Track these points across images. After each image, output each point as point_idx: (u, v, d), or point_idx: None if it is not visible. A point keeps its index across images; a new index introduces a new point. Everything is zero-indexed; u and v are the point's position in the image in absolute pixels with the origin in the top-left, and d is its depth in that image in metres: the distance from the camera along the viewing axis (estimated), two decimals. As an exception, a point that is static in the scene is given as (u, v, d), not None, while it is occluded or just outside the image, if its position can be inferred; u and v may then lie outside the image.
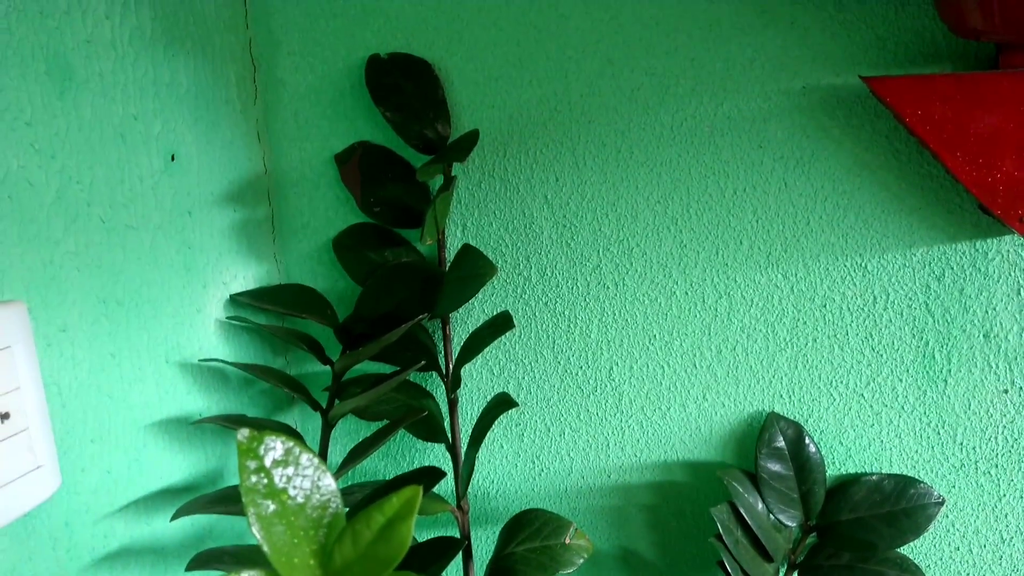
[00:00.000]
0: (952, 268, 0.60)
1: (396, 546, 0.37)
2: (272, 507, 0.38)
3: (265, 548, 0.37)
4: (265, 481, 0.37)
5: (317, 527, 0.39)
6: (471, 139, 0.65)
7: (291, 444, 0.38)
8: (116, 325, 0.62)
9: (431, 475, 0.69)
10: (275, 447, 0.38)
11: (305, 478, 0.39)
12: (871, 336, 0.63)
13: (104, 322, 0.61)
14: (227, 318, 0.73)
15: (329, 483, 0.39)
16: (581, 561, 0.66)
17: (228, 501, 0.63)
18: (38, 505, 0.56)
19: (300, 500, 0.38)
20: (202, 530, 0.72)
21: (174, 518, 0.63)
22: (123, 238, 0.63)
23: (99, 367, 0.61)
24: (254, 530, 0.37)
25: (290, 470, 0.38)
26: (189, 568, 0.62)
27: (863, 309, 0.63)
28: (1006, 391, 0.61)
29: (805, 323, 0.64)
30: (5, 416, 0.54)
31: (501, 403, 0.67)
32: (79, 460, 0.60)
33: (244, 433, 0.37)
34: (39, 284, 0.56)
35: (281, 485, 0.38)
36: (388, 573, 0.37)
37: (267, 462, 0.37)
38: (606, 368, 0.71)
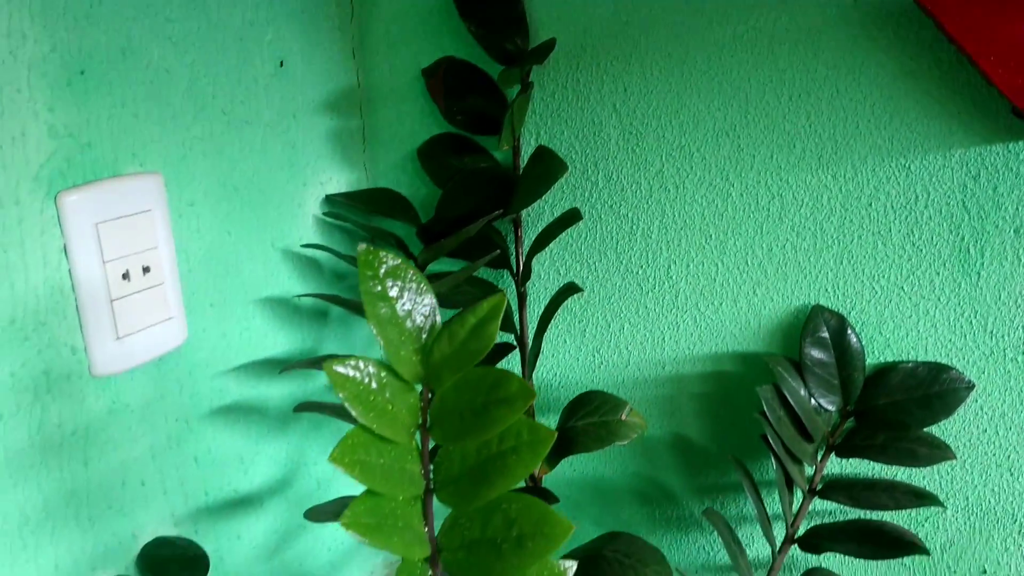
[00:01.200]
0: (987, 168, 0.65)
1: (485, 341, 0.45)
2: (384, 310, 0.45)
3: (380, 343, 0.45)
4: (379, 288, 0.45)
5: (419, 331, 0.47)
6: (548, 46, 0.72)
7: (400, 261, 0.46)
8: (232, 207, 0.71)
9: (501, 350, 0.77)
10: (388, 261, 0.46)
11: (410, 291, 0.46)
12: (912, 232, 0.69)
13: (223, 203, 0.70)
14: (323, 214, 0.81)
15: (430, 298, 0.47)
16: (635, 436, 0.73)
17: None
18: (170, 351, 0.66)
19: (407, 307, 0.46)
20: (298, 400, 0.81)
21: (284, 371, 0.72)
22: (240, 131, 0.72)
23: (218, 242, 0.70)
24: (371, 326, 0.45)
25: (399, 282, 0.46)
26: (297, 410, 0.71)
27: (905, 207, 0.68)
28: (1036, 283, 0.66)
29: (851, 221, 0.70)
30: (147, 269, 0.63)
31: (568, 289, 0.74)
32: (200, 321, 0.69)
33: (363, 246, 0.45)
34: (173, 161, 0.65)
35: (393, 294, 0.46)
36: (475, 363, 0.44)
37: (381, 272, 0.45)
38: (664, 267, 0.77)
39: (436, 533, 0.50)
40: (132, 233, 0.61)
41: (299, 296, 0.78)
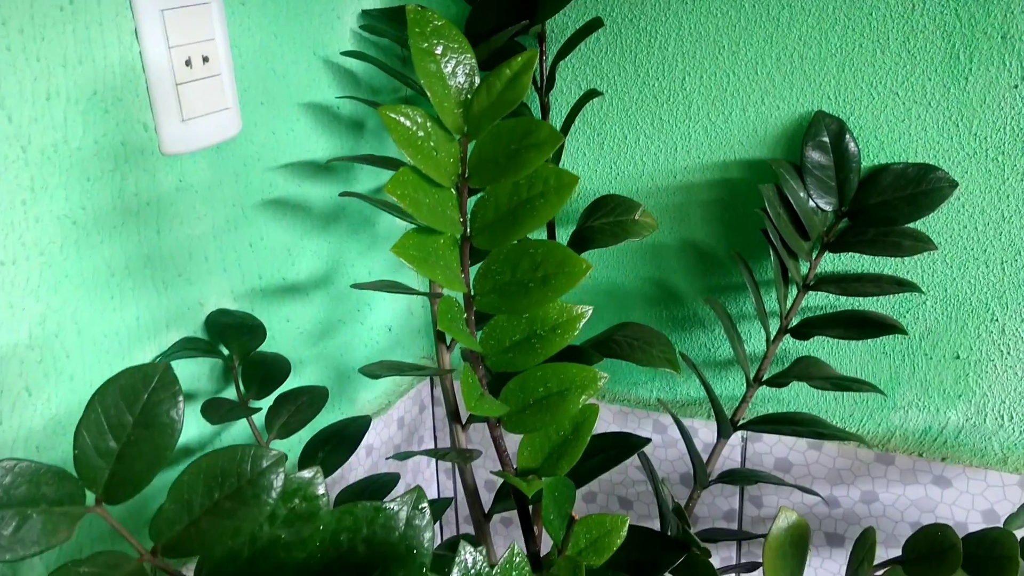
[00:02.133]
0: (984, -26, 0.70)
1: (519, 91, 0.51)
2: (432, 66, 0.52)
3: (428, 95, 0.52)
4: (426, 44, 0.52)
5: (460, 88, 0.53)
6: None
7: (445, 21, 0.52)
8: (279, 10, 0.77)
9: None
10: (435, 20, 0.52)
11: (453, 49, 0.53)
12: (908, 40, 0.74)
13: (270, 5, 0.76)
14: (360, 27, 0.87)
15: (470, 57, 0.53)
16: (647, 234, 0.80)
17: (373, 160, 0.78)
18: (227, 140, 0.73)
19: (451, 65, 0.53)
20: (337, 207, 0.88)
21: (330, 162, 0.80)
22: (284, -62, 0.76)
23: (267, 43, 0.76)
24: (421, 82, 0.52)
25: (444, 41, 0.52)
26: (342, 195, 0.78)
27: (903, 16, 0.73)
28: (1016, 87, 0.72)
29: (853, 30, 0.75)
30: (206, 59, 0.69)
31: (589, 94, 0.80)
32: (252, 116, 0.76)
33: (412, 6, 0.51)
34: (226, -40, 0.71)
35: (438, 51, 0.52)
36: (509, 111, 0.51)
37: (429, 30, 0.52)
38: (679, 79, 0.83)
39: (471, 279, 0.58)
40: (193, 22, 0.67)
41: (339, 97, 0.85)
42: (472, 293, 0.59)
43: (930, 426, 0.84)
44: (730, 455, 0.93)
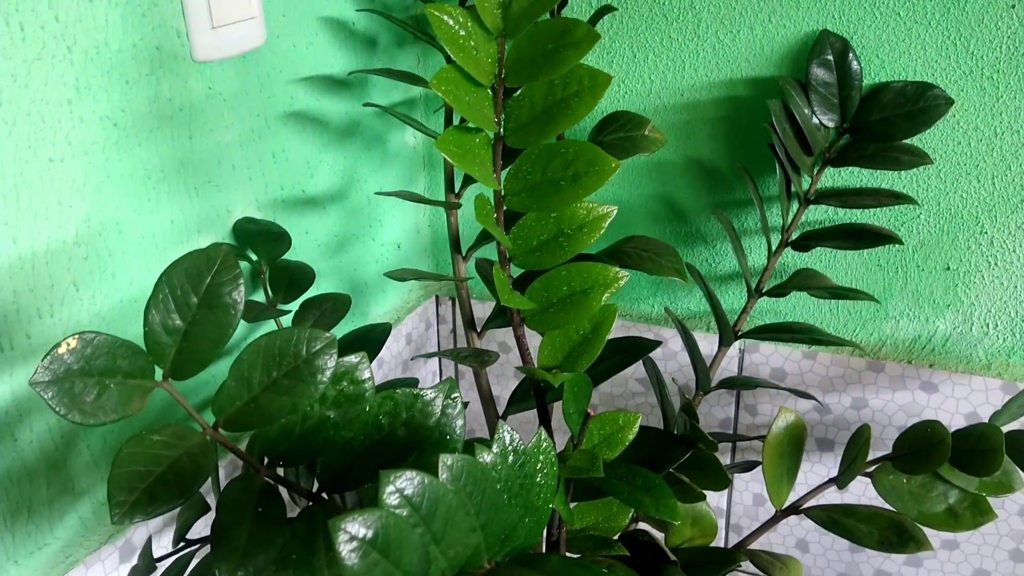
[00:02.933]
0: None
1: (560, -8, 0.53)
2: (474, -34, 0.54)
3: (468, -6, 0.54)
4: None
5: (501, -11, 0.56)
6: None
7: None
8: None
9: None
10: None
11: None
12: (914, -41, 0.77)
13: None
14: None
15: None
16: (656, 149, 0.83)
17: (390, 73, 0.81)
18: (252, 49, 0.74)
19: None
20: (352, 123, 0.90)
21: (351, 73, 0.81)
22: None
23: (289, -46, 0.77)
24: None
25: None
26: (365, 105, 0.80)
27: (910, -65, 0.76)
28: (1013, 6, 0.75)
29: (860, -50, 0.78)
30: (235, -33, 0.70)
31: (603, 9, 0.82)
32: (275, 27, 0.77)
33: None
34: None
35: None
36: (546, 11, 0.54)
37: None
38: (688, -2, 0.86)
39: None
40: (224, -70, 0.68)
41: (359, 10, 0.86)
42: (503, 193, 0.62)
43: (920, 335, 0.89)
44: (727, 367, 0.98)
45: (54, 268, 0.61)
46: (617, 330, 1.01)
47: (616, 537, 0.79)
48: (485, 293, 1.07)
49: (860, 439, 0.80)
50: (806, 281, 0.86)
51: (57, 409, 0.46)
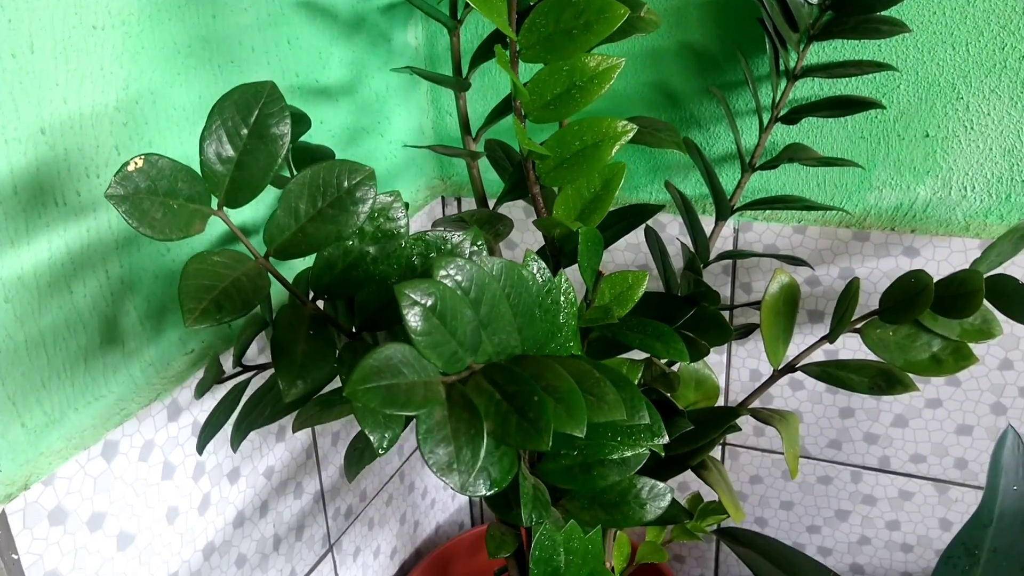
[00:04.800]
0: None
1: None
2: None
3: None
4: None
5: None
6: None
7: None
8: None
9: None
10: None
11: None
12: None
13: None
14: None
15: None
16: (651, 31, 0.86)
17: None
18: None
19: None
20: (358, 19, 0.93)
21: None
22: None
23: None
24: None
25: None
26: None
27: None
28: None
29: None
30: None
31: None
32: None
33: None
34: None
35: None
36: None
37: None
38: None
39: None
40: None
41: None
42: (519, 48, 0.66)
43: (902, 202, 0.95)
44: (722, 246, 1.03)
45: (99, 131, 0.65)
46: (616, 218, 1.06)
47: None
48: (491, 189, 1.11)
49: (849, 292, 0.86)
50: (796, 153, 0.91)
51: (130, 222, 0.50)
